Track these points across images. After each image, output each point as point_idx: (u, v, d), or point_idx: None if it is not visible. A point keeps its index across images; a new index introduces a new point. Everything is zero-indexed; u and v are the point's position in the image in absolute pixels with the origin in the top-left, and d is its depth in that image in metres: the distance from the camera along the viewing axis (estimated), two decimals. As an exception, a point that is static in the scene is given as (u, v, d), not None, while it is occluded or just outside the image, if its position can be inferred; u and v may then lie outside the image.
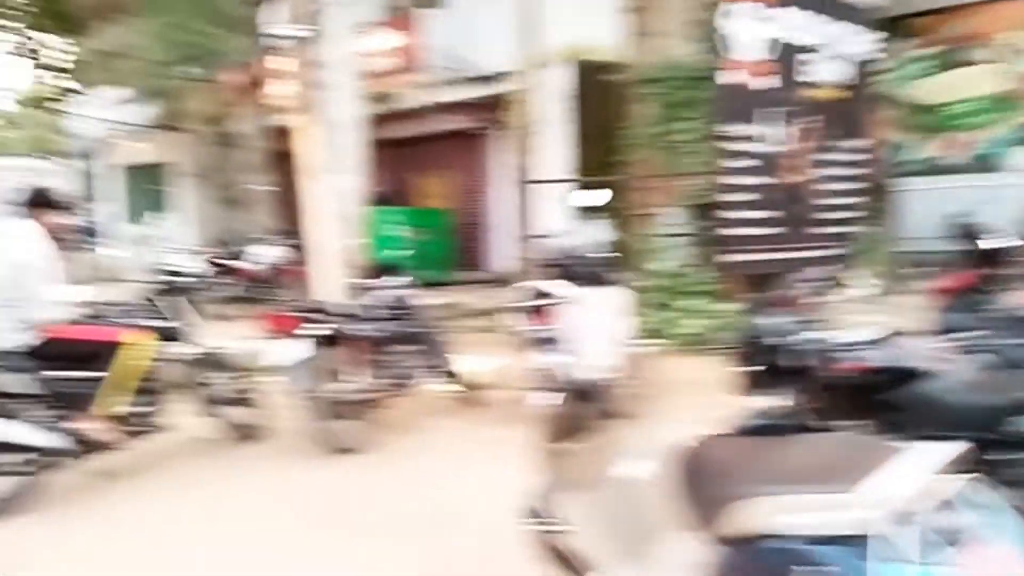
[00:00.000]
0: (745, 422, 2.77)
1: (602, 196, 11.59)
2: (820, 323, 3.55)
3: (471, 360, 7.49)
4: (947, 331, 3.98)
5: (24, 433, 5.04)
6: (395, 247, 11.60)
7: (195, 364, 6.03)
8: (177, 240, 13.98)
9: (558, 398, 5.23)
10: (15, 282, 5.09)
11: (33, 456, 5.11)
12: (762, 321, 3.48)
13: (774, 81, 8.18)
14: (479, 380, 7.37)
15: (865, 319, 3.81)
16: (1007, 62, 10.09)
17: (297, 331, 5.98)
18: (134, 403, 5.44)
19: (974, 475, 2.05)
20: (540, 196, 9.95)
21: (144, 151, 18.89)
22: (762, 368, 3.34)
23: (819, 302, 3.78)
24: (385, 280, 7.16)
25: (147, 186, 19.58)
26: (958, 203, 7.92)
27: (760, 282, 6.56)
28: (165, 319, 5.82)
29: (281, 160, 13.12)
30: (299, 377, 5.92)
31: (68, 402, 5.20)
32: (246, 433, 6.37)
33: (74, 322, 5.31)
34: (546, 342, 6.01)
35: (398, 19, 15.15)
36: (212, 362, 6.14)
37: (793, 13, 8.39)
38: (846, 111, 9.00)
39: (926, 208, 9.85)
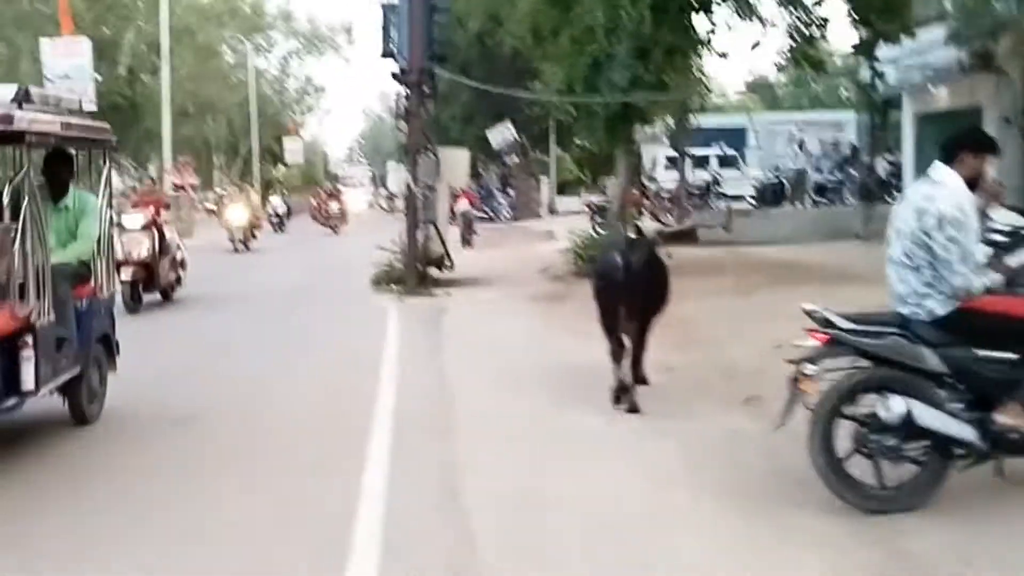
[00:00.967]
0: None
1: None
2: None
3: None
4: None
5: (931, 418, 4.25)
6: None
7: None
8: None
9: None
10: (938, 241, 4.27)
11: (929, 444, 4.31)
12: None
13: None
14: None
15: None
16: None
17: None
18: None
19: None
20: None
21: (943, 97, 17.45)
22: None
23: None
24: None
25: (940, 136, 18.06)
26: None
27: None
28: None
29: None
30: None
31: (984, 388, 4.28)
32: None
33: (993, 292, 4.35)
34: None
35: None
36: None
37: None
38: None
39: None
